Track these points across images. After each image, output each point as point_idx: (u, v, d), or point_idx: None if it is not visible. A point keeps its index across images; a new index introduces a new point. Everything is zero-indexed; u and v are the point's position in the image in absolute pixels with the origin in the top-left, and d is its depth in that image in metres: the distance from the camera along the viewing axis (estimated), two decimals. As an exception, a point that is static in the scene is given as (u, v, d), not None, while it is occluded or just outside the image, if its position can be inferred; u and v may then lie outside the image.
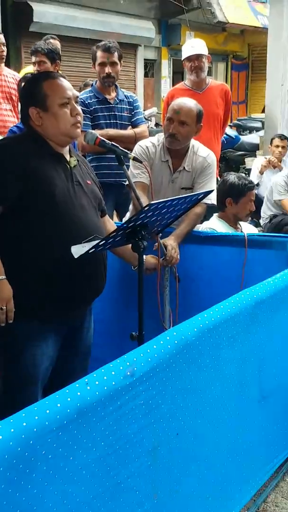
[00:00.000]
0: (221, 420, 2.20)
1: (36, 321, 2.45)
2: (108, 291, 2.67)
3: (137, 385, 1.74)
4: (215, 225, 3.63)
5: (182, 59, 5.00)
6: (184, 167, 3.43)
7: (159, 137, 3.48)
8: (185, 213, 2.82)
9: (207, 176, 3.44)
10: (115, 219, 4.60)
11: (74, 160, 2.56)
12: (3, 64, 5.67)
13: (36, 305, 2.43)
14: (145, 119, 12.81)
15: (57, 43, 5.66)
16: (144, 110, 14.34)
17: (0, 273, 2.38)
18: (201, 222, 3.65)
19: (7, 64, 10.42)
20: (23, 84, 2.72)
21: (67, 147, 2.56)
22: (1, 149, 2.49)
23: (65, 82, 2.52)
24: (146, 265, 2.74)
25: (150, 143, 3.48)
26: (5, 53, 5.58)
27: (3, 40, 5.63)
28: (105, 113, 4.46)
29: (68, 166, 2.50)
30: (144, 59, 16.29)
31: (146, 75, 16.64)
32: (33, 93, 2.49)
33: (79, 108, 2.53)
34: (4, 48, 5.56)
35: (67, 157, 2.53)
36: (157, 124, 12.23)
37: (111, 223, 2.86)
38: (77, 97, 2.54)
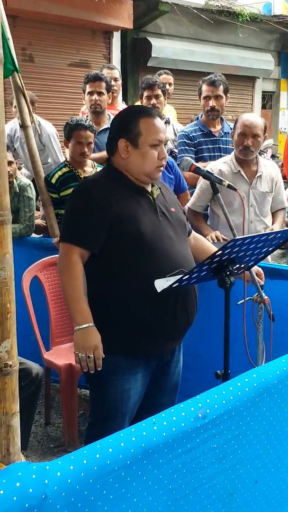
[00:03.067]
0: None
1: (126, 356, 2.44)
2: (199, 324, 2.61)
3: (209, 428, 1.67)
4: None
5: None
6: (262, 173, 3.82)
7: (226, 158, 3.89)
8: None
9: (280, 181, 3.94)
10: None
11: (157, 190, 2.54)
12: (119, 98, 5.80)
13: (125, 341, 2.43)
14: (261, 150, 12.75)
15: (169, 78, 5.74)
16: (260, 142, 14.27)
17: (87, 320, 2.37)
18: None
19: (125, 99, 10.77)
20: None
21: None
22: (84, 194, 2.49)
23: (161, 123, 2.52)
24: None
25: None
26: (116, 88, 5.68)
27: (116, 75, 5.75)
28: (209, 146, 4.45)
29: (151, 198, 2.49)
30: (262, 91, 16.19)
31: (264, 107, 16.52)
32: (127, 126, 2.48)
33: (166, 152, 2.52)
34: (116, 83, 5.67)
35: (149, 188, 2.53)
36: (273, 156, 12.07)
37: (200, 241, 2.82)
38: (167, 141, 2.55)
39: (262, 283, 2.84)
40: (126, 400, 2.48)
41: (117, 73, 5.78)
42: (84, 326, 2.35)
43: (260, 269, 2.86)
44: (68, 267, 2.40)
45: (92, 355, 2.35)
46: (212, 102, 4.42)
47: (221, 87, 4.44)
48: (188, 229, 2.66)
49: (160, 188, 2.58)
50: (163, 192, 2.59)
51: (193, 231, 2.80)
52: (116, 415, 2.49)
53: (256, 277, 2.79)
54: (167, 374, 2.64)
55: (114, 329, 2.41)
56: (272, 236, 2.32)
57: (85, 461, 1.40)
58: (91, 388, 2.63)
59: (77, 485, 1.37)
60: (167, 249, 2.41)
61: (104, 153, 4.47)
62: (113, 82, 5.49)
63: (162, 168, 2.49)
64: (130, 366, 2.45)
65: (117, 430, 2.42)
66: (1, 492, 1.24)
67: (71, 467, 1.37)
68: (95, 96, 4.66)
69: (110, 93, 5.21)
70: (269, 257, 3.42)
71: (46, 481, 1.31)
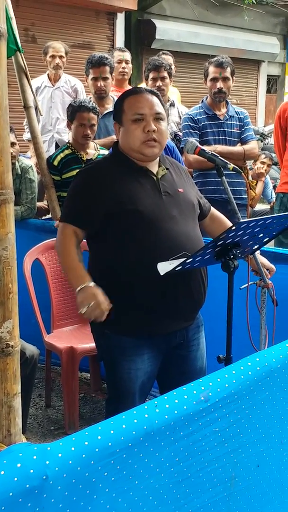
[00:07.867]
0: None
1: (130, 337, 2.44)
2: (219, 311, 2.57)
3: (211, 412, 1.65)
4: None
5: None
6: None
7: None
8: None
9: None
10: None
11: (163, 170, 2.51)
12: (126, 83, 5.76)
13: (128, 322, 2.42)
14: (265, 135, 12.68)
15: (169, 59, 5.69)
16: (264, 126, 14.19)
17: (83, 281, 2.34)
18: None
19: (129, 82, 10.70)
20: None
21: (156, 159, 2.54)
22: (82, 175, 2.55)
23: (146, 98, 2.47)
24: None
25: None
26: (127, 71, 5.64)
27: (128, 58, 5.69)
28: (214, 129, 4.42)
29: (155, 178, 2.47)
30: (267, 75, 16.09)
31: (268, 91, 16.42)
32: (117, 108, 2.55)
33: (156, 126, 2.43)
34: (127, 66, 5.62)
35: (154, 168, 2.50)
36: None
37: (217, 221, 2.81)
38: (158, 113, 2.45)
39: (269, 276, 2.81)
40: (134, 380, 2.49)
41: (128, 55, 5.73)
42: (81, 286, 2.33)
43: (273, 267, 2.83)
44: (61, 241, 2.47)
45: (93, 303, 2.29)
46: (219, 84, 4.37)
47: (229, 69, 4.40)
48: (197, 212, 2.60)
49: (168, 169, 2.55)
50: (172, 173, 2.56)
51: (212, 211, 2.79)
52: (127, 393, 2.51)
53: (261, 263, 2.76)
54: (187, 358, 2.60)
55: (117, 310, 2.39)
56: (276, 219, 2.29)
57: (86, 443, 1.39)
58: (104, 366, 2.66)
59: (78, 467, 1.36)
60: (168, 229, 2.38)
61: (109, 138, 4.45)
62: (124, 65, 5.47)
63: (152, 142, 2.42)
64: (136, 347, 2.45)
65: (130, 407, 2.42)
66: (2, 472, 1.23)
67: (72, 449, 1.36)
68: (100, 83, 4.62)
69: (121, 76, 5.23)
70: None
71: (47, 462, 1.30)
